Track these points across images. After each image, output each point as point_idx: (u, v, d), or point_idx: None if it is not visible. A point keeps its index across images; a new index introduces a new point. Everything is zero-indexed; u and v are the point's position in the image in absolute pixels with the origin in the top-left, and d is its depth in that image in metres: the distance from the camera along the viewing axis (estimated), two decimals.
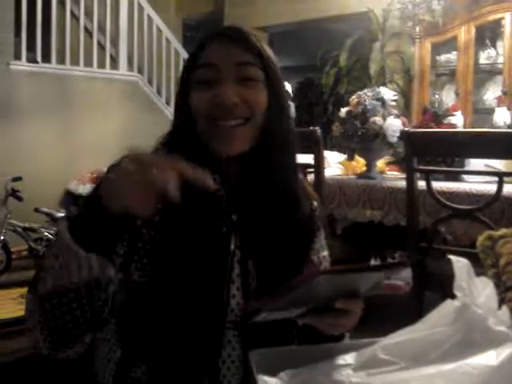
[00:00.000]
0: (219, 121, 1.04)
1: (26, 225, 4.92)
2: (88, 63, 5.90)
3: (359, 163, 3.25)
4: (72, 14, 5.88)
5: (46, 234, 4.92)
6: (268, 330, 0.99)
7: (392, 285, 0.85)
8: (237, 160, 1.06)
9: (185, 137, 1.09)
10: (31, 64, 5.52)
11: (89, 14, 5.98)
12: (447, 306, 0.80)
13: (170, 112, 6.71)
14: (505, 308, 0.84)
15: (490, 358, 0.72)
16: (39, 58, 5.59)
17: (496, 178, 2.32)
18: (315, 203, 1.20)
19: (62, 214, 5.10)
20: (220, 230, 1.05)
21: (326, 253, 1.20)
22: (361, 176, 3.10)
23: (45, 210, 5.05)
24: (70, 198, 5.59)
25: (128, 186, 0.83)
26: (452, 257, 0.80)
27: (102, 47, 6.16)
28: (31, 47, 5.49)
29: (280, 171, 1.09)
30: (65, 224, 0.93)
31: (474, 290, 0.80)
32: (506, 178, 2.29)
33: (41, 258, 0.89)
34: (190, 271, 1.00)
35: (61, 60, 5.73)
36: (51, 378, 1.55)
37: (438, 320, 0.79)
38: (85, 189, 5.58)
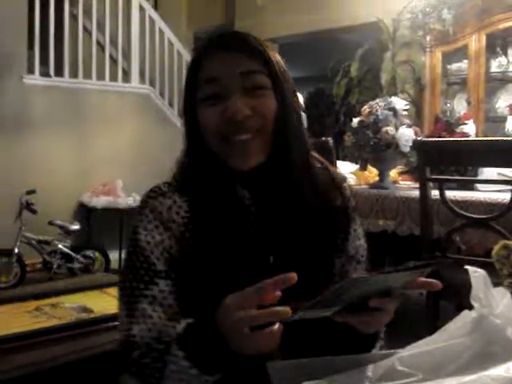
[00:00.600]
0: (231, 136, 1.01)
1: (40, 237, 4.95)
2: (100, 77, 5.94)
3: (372, 173, 3.24)
4: (84, 27, 5.93)
5: (60, 246, 4.94)
6: (304, 328, 0.92)
7: (428, 282, 0.83)
8: (255, 169, 1.04)
9: (200, 156, 1.07)
10: (44, 78, 5.57)
11: (101, 27, 6.02)
12: (464, 317, 0.79)
13: (181, 124, 6.73)
14: None
15: (509, 370, 0.71)
16: (52, 72, 5.63)
17: (509, 187, 2.31)
18: (347, 192, 1.16)
19: (76, 227, 5.13)
20: (250, 238, 1.05)
21: (362, 241, 1.16)
22: (373, 186, 3.09)
23: (58, 222, 5.08)
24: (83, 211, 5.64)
25: (258, 337, 0.81)
26: (469, 267, 0.80)
27: (114, 61, 6.20)
28: (44, 61, 5.54)
29: (297, 171, 1.07)
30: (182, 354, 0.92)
31: (492, 300, 0.80)
32: None
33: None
34: (227, 275, 1.00)
35: (73, 74, 5.77)
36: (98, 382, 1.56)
37: (456, 331, 0.78)
38: (98, 201, 5.61)
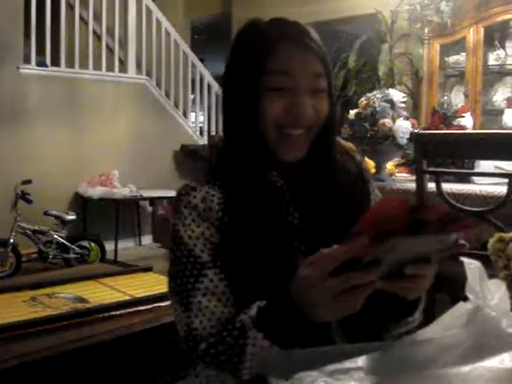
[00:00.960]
0: (288, 129, 1.06)
1: (36, 228, 4.95)
2: (97, 66, 5.93)
3: (369, 165, 3.24)
4: (81, 17, 5.91)
5: (56, 236, 4.94)
6: None
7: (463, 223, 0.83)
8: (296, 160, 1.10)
9: (249, 139, 1.09)
10: (41, 68, 5.55)
11: (97, 17, 6.00)
12: (460, 309, 0.79)
13: (178, 114, 6.73)
14: None
15: (504, 361, 0.71)
16: (49, 62, 5.61)
17: (506, 180, 2.31)
18: (358, 157, 1.23)
19: (72, 217, 5.12)
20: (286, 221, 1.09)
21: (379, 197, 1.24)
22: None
23: (54, 212, 5.08)
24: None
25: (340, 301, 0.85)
26: (465, 259, 0.80)
27: (110, 50, 6.18)
28: (41, 51, 5.52)
29: (334, 163, 1.14)
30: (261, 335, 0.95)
31: (487, 292, 0.80)
32: None
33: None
34: (263, 254, 1.03)
35: (70, 63, 5.76)
36: (93, 371, 1.56)
37: (451, 323, 0.78)
38: (94, 191, 5.61)
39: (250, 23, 1.12)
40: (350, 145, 1.26)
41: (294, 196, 1.11)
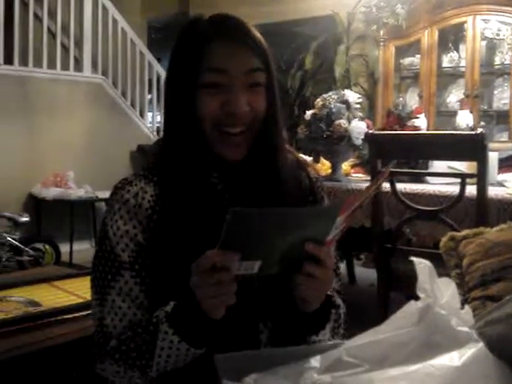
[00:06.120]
0: (225, 127, 1.05)
1: None
2: (51, 65, 5.81)
3: (324, 165, 3.26)
4: (35, 15, 5.79)
5: (9, 239, 4.83)
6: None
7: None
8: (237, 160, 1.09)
9: (187, 137, 1.08)
10: None
11: (52, 15, 5.89)
12: (411, 308, 0.80)
13: (135, 115, 6.66)
14: (467, 308, 0.85)
15: (453, 359, 0.72)
16: (1, 60, 5.49)
17: (459, 180, 2.36)
18: (312, 173, 1.22)
19: (25, 219, 5.01)
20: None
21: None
22: (326, 178, 3.11)
23: (7, 214, 4.96)
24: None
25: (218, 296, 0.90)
26: (414, 259, 0.81)
27: (65, 49, 6.07)
28: None
29: (277, 164, 1.11)
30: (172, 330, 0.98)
31: (437, 291, 0.81)
32: (468, 180, 2.32)
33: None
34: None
35: (23, 62, 5.64)
36: (47, 376, 1.53)
37: (402, 321, 0.79)
38: (48, 192, 5.51)
39: (190, 21, 1.12)
40: (303, 158, 1.27)
41: (232, 199, 1.10)
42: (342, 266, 4.16)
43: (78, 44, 6.20)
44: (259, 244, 0.87)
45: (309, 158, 3.41)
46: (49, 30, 5.89)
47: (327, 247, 0.94)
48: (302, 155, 3.56)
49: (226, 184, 1.11)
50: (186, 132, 1.08)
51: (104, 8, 6.33)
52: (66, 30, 6.03)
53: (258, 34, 1.08)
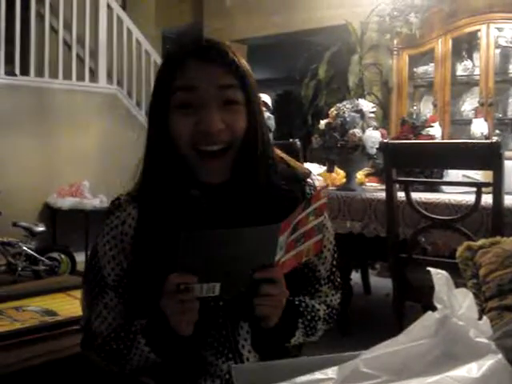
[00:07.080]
0: (202, 146, 1.04)
1: (5, 239, 4.85)
2: (67, 76, 5.87)
3: (339, 175, 3.26)
4: (51, 26, 5.85)
5: (25, 248, 4.86)
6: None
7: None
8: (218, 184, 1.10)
9: (165, 159, 1.08)
10: (9, 77, 5.47)
11: (68, 26, 5.95)
12: (428, 318, 0.80)
13: None
14: (485, 318, 0.84)
15: (472, 370, 0.72)
16: (18, 71, 5.54)
17: (474, 189, 2.34)
18: (308, 188, 1.18)
19: (41, 228, 5.04)
20: None
21: (320, 236, 1.06)
22: (340, 188, 3.11)
23: (23, 224, 4.99)
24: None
25: (183, 317, 0.99)
26: (431, 269, 0.80)
27: (81, 60, 6.12)
28: (9, 60, 5.45)
29: (260, 188, 1.10)
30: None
31: (454, 301, 0.80)
32: (483, 189, 2.31)
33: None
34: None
35: (39, 73, 5.69)
36: None
37: (420, 332, 0.78)
38: (64, 202, 5.54)
39: (171, 41, 1.14)
40: (304, 172, 1.21)
41: (216, 217, 1.08)
42: (357, 276, 4.14)
43: (94, 55, 6.25)
44: (214, 266, 0.92)
45: (323, 168, 3.42)
46: (64, 41, 5.95)
47: (279, 268, 0.98)
48: (312, 165, 3.56)
49: (210, 201, 1.09)
50: (164, 154, 1.08)
51: (119, 19, 6.38)
52: (81, 41, 6.08)
53: (232, 52, 1.07)
